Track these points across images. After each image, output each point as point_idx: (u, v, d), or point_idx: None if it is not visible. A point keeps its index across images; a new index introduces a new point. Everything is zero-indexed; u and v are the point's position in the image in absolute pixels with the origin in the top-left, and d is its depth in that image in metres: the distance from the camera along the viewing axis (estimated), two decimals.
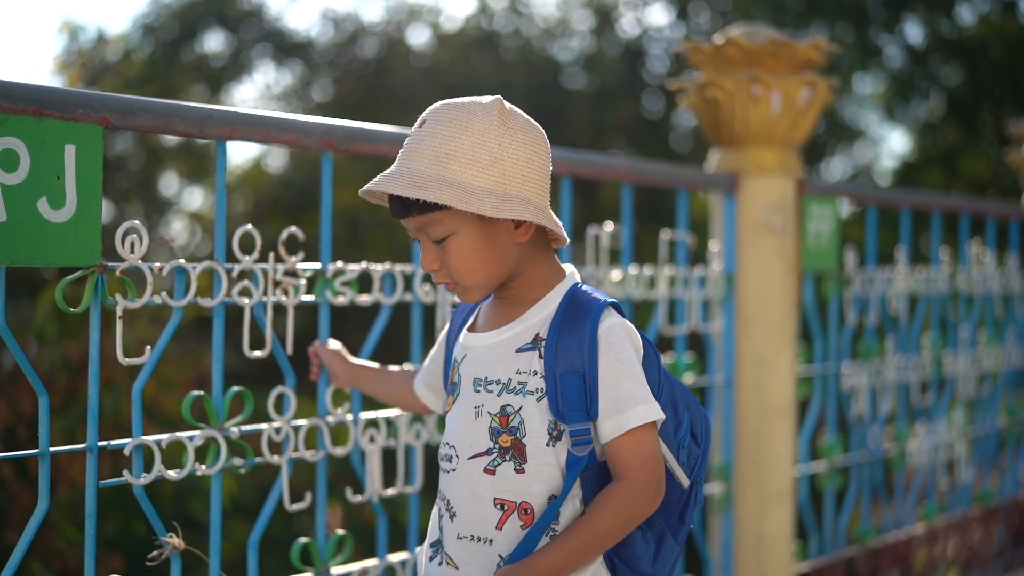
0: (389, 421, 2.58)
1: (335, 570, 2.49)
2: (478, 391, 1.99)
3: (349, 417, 2.51)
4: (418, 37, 14.15)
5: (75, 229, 1.99)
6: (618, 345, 1.93)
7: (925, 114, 13.39)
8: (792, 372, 3.49)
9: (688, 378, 3.30)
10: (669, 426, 2.00)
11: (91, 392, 2.09)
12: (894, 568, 4.05)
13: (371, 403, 2.66)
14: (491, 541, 1.94)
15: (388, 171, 1.94)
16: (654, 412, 1.92)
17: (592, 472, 1.95)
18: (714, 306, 3.44)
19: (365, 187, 1.96)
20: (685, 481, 2.02)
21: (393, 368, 2.40)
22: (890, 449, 4.12)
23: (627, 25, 14.11)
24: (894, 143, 25.10)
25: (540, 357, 1.95)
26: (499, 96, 1.96)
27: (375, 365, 2.42)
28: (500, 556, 1.93)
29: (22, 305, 7.03)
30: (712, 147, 3.58)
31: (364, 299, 2.52)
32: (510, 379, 1.96)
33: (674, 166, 3.53)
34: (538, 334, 1.96)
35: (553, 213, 1.99)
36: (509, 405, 1.95)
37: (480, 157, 1.89)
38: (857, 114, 14.49)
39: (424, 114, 1.96)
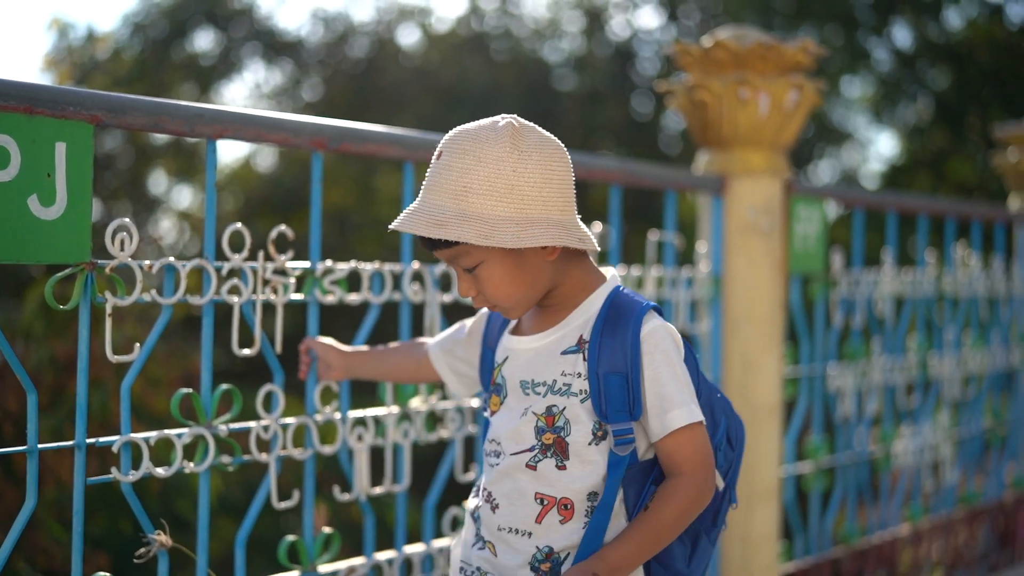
0: (377, 420, 2.59)
1: (322, 568, 2.50)
2: (527, 394, 2.03)
3: (337, 415, 2.52)
4: (408, 37, 14.17)
5: (65, 226, 2.00)
6: (662, 347, 1.98)
7: (913, 117, 13.45)
8: (779, 373, 3.51)
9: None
10: (707, 430, 2.04)
11: (80, 389, 2.09)
12: (879, 569, 4.07)
13: (359, 402, 2.67)
14: (530, 534, 2.00)
15: (411, 207, 1.96)
16: (695, 414, 1.97)
17: (634, 471, 2.00)
18: (702, 307, 3.45)
19: (392, 224, 1.98)
20: (720, 483, 2.07)
21: (389, 347, 2.41)
22: (876, 450, 4.14)
23: (617, 27, 14.14)
24: (882, 146, 25.18)
25: (584, 359, 1.99)
26: (511, 118, 1.96)
27: (368, 348, 2.43)
28: (537, 547, 1.99)
29: (9, 304, 7.03)
30: (700, 149, 3.59)
31: (353, 298, 2.53)
32: (555, 381, 2.01)
33: (662, 167, 3.55)
34: (581, 336, 2.01)
35: (581, 223, 2.02)
36: (555, 405, 2.00)
37: (497, 186, 1.90)
38: (845, 117, 14.54)
39: (440, 144, 1.97)
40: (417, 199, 1.97)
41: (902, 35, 13.01)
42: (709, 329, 3.46)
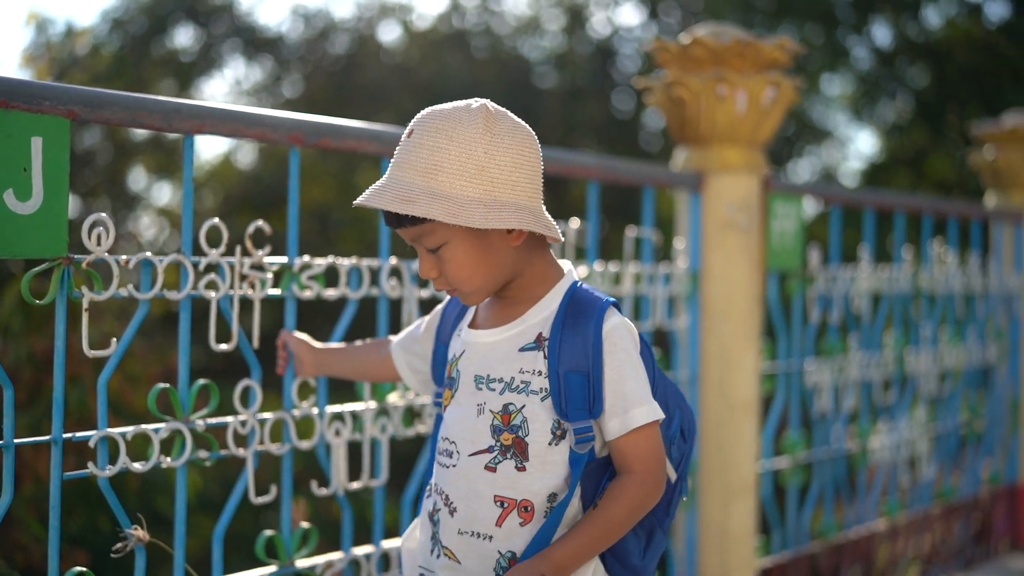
0: (355, 415, 2.60)
1: (300, 563, 2.50)
2: (480, 389, 2.01)
3: (315, 410, 2.53)
4: (389, 34, 14.16)
5: (42, 221, 1.99)
6: (622, 345, 1.97)
7: (892, 115, 13.50)
8: (756, 369, 3.52)
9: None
10: (662, 423, 2.03)
11: (56, 384, 2.09)
12: (856, 564, 4.09)
13: (337, 397, 2.67)
14: (491, 537, 1.97)
15: (379, 183, 1.95)
16: (656, 412, 1.97)
17: (590, 468, 1.98)
18: (679, 303, 3.47)
19: (358, 200, 1.97)
20: (673, 475, 2.07)
21: (358, 344, 2.40)
22: (853, 446, 4.16)
23: (598, 24, 14.16)
24: (861, 144, 25.28)
25: (544, 357, 1.97)
26: (485, 102, 1.96)
27: (340, 345, 2.43)
28: (499, 552, 1.97)
29: None
30: (678, 146, 3.60)
31: (330, 293, 2.53)
32: (513, 378, 1.98)
33: (641, 164, 3.56)
34: (540, 333, 1.99)
35: (546, 212, 2.01)
36: (512, 404, 1.97)
37: (467, 167, 1.90)
38: (825, 115, 14.59)
39: (412, 123, 1.96)
40: (385, 175, 1.96)
41: (881, 33, 13.07)
42: (687, 325, 3.48)
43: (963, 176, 11.99)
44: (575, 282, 2.04)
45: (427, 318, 2.23)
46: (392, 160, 1.96)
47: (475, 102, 1.96)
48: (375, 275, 2.64)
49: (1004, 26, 12.19)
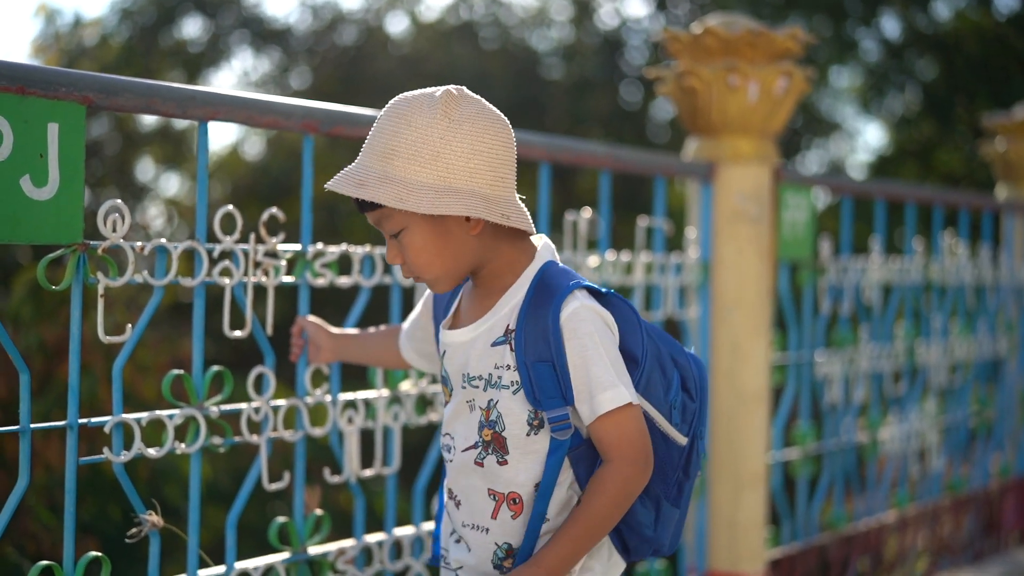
0: (367, 402, 2.60)
1: (312, 550, 2.50)
2: (465, 387, 2.01)
3: (328, 398, 2.53)
4: (397, 25, 14.15)
5: (58, 207, 2.00)
6: (582, 330, 1.92)
7: (900, 108, 13.47)
8: (766, 360, 3.52)
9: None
10: (659, 389, 2.00)
11: (72, 369, 2.10)
12: (865, 555, 4.09)
13: (350, 384, 2.67)
14: (487, 530, 1.99)
15: (345, 168, 1.95)
16: (622, 397, 1.91)
17: (581, 452, 1.97)
18: (690, 293, 3.47)
19: (327, 184, 1.96)
20: (682, 440, 2.02)
21: (373, 332, 2.41)
22: (863, 437, 4.16)
23: (606, 16, 14.13)
24: (870, 136, 25.23)
25: (511, 350, 1.96)
26: (451, 87, 1.93)
27: (357, 331, 2.43)
28: (496, 544, 1.98)
29: None
30: (689, 136, 3.60)
31: (344, 281, 2.54)
32: (490, 374, 1.98)
33: (652, 154, 3.56)
34: (508, 326, 1.97)
35: (519, 201, 1.97)
36: (492, 399, 1.98)
37: (422, 152, 1.88)
38: (833, 107, 14.56)
39: (386, 106, 1.96)
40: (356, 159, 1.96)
41: (890, 26, 13.03)
42: (698, 315, 3.47)
43: (971, 169, 11.96)
44: (547, 263, 2.00)
45: (423, 299, 2.23)
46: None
47: (442, 88, 1.94)
48: (388, 263, 2.64)
49: (1014, 18, 12.16)
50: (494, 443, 1.97)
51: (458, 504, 2.03)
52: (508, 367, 1.96)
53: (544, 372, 1.93)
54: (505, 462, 1.96)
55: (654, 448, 1.98)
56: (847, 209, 4.05)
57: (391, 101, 1.95)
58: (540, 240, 2.05)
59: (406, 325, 2.29)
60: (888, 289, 4.35)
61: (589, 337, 1.92)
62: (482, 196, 1.90)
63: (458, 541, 2.05)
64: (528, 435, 1.95)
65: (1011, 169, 5.15)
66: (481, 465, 1.99)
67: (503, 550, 1.98)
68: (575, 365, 1.92)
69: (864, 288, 4.13)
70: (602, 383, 1.91)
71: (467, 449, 2.01)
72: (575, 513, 1.93)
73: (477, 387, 1.99)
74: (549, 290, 1.96)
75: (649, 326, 2.04)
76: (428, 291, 2.20)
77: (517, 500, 1.96)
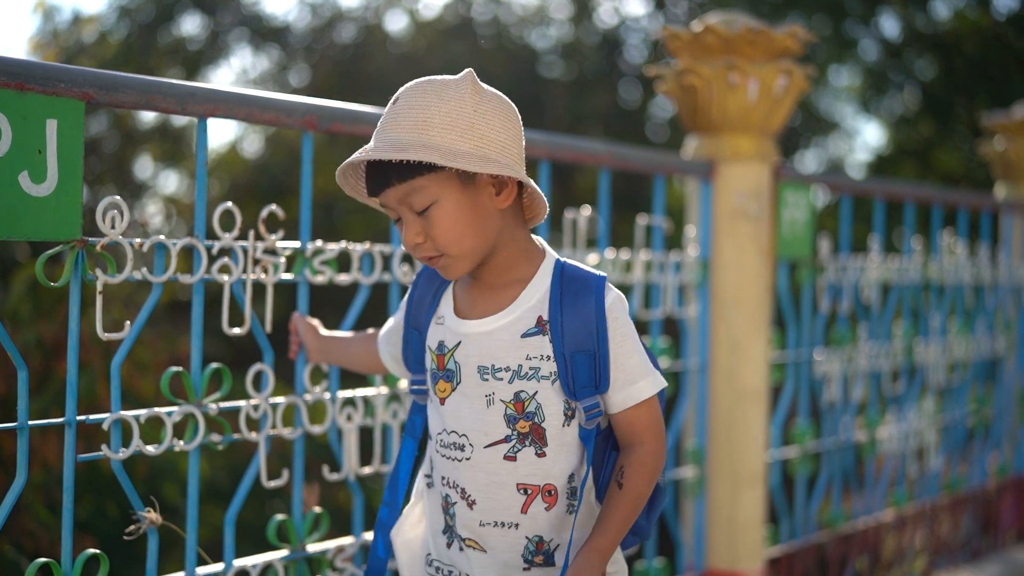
0: (366, 400, 2.60)
1: (311, 547, 2.50)
2: (486, 379, 1.99)
3: (327, 395, 2.53)
4: (395, 23, 14.13)
5: (56, 203, 1.99)
6: (623, 320, 1.99)
7: (899, 107, 13.47)
8: (766, 358, 3.52)
9: (663, 363, 3.32)
10: None
11: (70, 365, 2.09)
12: (863, 554, 4.09)
13: (348, 382, 2.67)
14: (517, 525, 1.99)
15: (364, 148, 1.95)
16: (659, 382, 2.01)
17: (599, 440, 2.02)
18: (689, 291, 3.46)
19: (343, 164, 1.96)
20: None
21: (355, 336, 2.40)
22: (861, 436, 4.16)
23: (605, 14, 14.13)
24: (868, 136, 25.24)
25: (549, 340, 1.97)
26: (471, 69, 1.97)
27: (345, 335, 2.42)
28: (527, 538, 1.99)
29: None
30: (689, 134, 3.60)
31: (343, 278, 2.53)
32: (520, 365, 1.97)
33: (652, 152, 3.55)
34: (540, 316, 1.98)
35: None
36: (523, 391, 1.97)
37: (458, 122, 1.90)
38: (832, 107, 14.56)
39: (397, 93, 1.97)
40: (371, 141, 1.96)
41: (889, 25, 13.03)
42: (697, 313, 3.47)
43: (970, 168, 11.96)
44: (558, 260, 2.04)
45: (402, 303, 2.22)
46: (377, 129, 1.96)
47: (460, 73, 1.97)
48: (387, 261, 2.64)
49: (1013, 18, 12.16)
50: (532, 435, 1.97)
51: (472, 504, 2.00)
52: (547, 357, 1.97)
53: (582, 362, 1.96)
54: (544, 454, 1.98)
55: None
56: (846, 208, 4.05)
57: (407, 85, 1.96)
58: (537, 239, 2.07)
59: (383, 329, 2.29)
60: (887, 288, 4.35)
61: (629, 326, 2.00)
62: (515, 169, 1.94)
63: (461, 550, 2.03)
64: (563, 426, 1.98)
65: (1010, 168, 5.15)
66: (514, 459, 1.98)
67: (534, 543, 1.99)
68: (616, 354, 1.97)
69: (863, 287, 4.13)
70: (641, 370, 1.99)
71: (493, 444, 1.99)
72: (620, 496, 1.97)
73: (501, 379, 1.98)
74: (583, 281, 1.99)
75: None
76: (406, 297, 2.19)
77: (552, 492, 1.98)
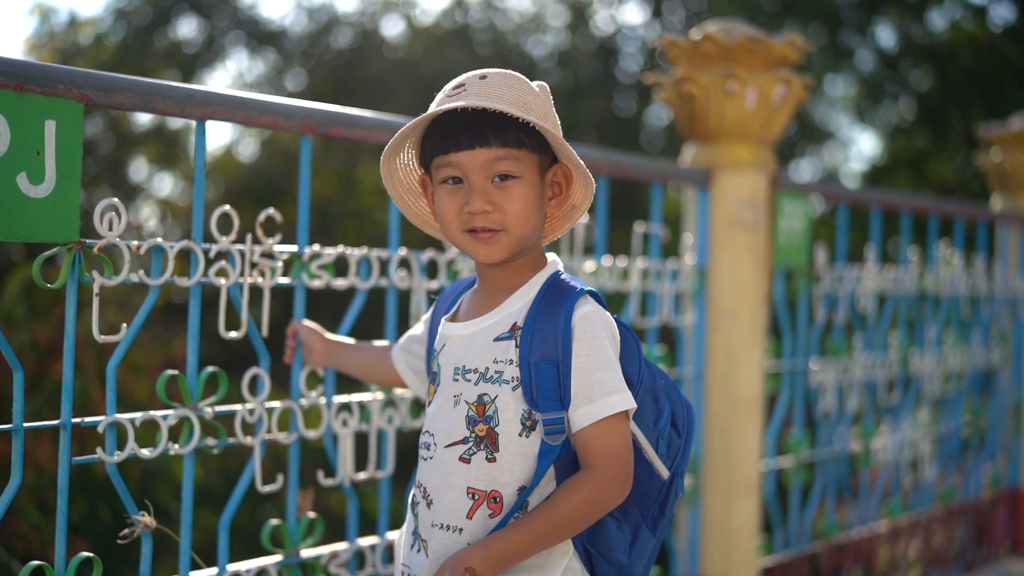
0: (362, 405, 2.59)
1: (305, 552, 2.49)
2: (456, 380, 1.99)
3: (323, 400, 2.52)
4: (392, 29, 14.15)
5: (54, 205, 1.99)
6: (592, 333, 1.93)
7: (895, 118, 13.49)
8: (761, 367, 3.52)
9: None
10: (648, 416, 2.01)
11: (66, 367, 2.08)
12: (857, 564, 4.09)
13: (344, 387, 2.66)
14: (461, 530, 1.94)
15: (462, 100, 1.91)
16: (627, 401, 1.92)
17: (566, 462, 1.95)
18: (686, 299, 3.46)
19: (463, 102, 1.91)
20: (664, 472, 2.02)
21: (367, 343, 2.40)
22: (856, 446, 4.16)
23: (601, 22, 14.15)
24: (863, 146, 25.28)
25: (516, 346, 1.95)
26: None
27: (351, 341, 2.42)
28: (468, 545, 1.93)
29: None
30: (686, 142, 3.60)
31: (340, 283, 2.53)
32: (487, 368, 1.96)
33: (649, 159, 3.55)
34: (515, 323, 1.97)
35: None
36: (486, 394, 1.95)
37: (548, 118, 1.98)
38: (827, 116, 14.58)
39: (478, 72, 1.99)
40: (454, 99, 1.93)
41: (885, 35, 13.06)
42: (693, 322, 3.47)
43: (965, 179, 11.98)
44: (557, 272, 2.03)
45: (423, 316, 2.24)
46: (462, 92, 1.94)
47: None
48: (384, 265, 2.63)
49: (1009, 29, 12.19)
50: (487, 439, 1.94)
51: (430, 504, 1.98)
52: (510, 362, 1.95)
53: (546, 372, 1.92)
54: (494, 459, 1.93)
55: (637, 473, 1.97)
56: (843, 218, 4.05)
57: (493, 70, 2.00)
58: (551, 255, 2.08)
59: (402, 339, 2.29)
60: (883, 298, 4.35)
61: (598, 341, 1.93)
62: None
63: (419, 551, 2.00)
64: (520, 435, 1.93)
65: (1006, 180, 5.15)
66: (467, 461, 1.95)
67: None
68: (580, 366, 1.92)
69: (859, 297, 4.13)
70: (607, 386, 1.91)
71: (452, 444, 1.97)
72: (539, 509, 1.91)
73: (469, 380, 1.97)
74: (562, 292, 1.98)
75: (647, 359, 2.05)
76: (428, 313, 2.20)
77: (498, 499, 1.93)
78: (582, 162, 1.98)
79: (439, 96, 1.99)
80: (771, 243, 3.61)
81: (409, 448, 3.47)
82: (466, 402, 1.97)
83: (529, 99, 1.95)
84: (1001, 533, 4.96)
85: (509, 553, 1.88)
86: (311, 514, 2.50)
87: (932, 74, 12.73)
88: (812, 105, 13.41)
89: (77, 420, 2.12)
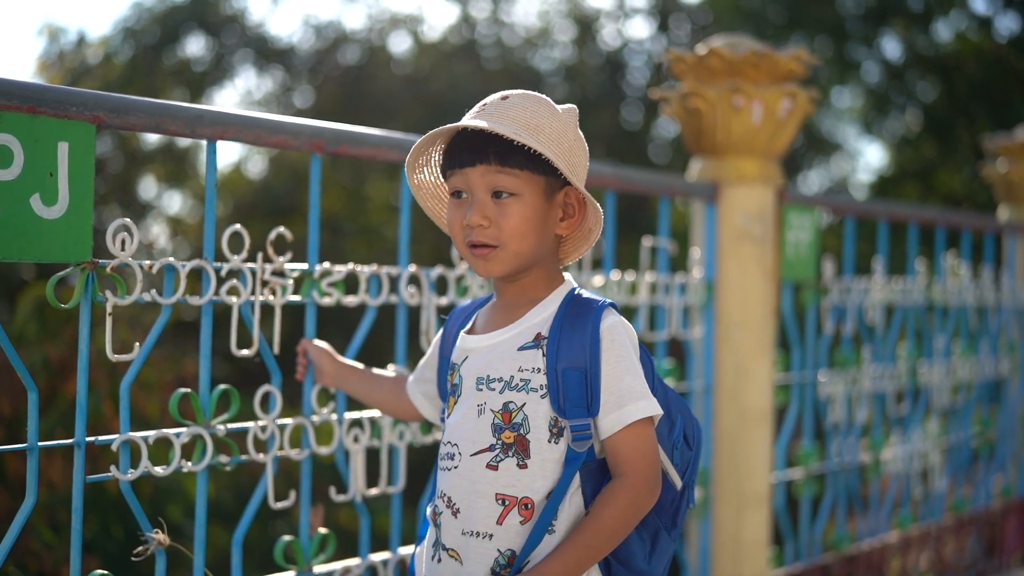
0: (373, 421, 2.61)
1: (318, 568, 2.50)
2: (480, 389, 2.03)
3: (334, 417, 2.53)
4: (399, 45, 14.19)
5: (67, 226, 2.01)
6: (619, 342, 1.99)
7: (901, 129, 13.51)
8: (770, 379, 3.53)
9: (668, 384, 3.32)
10: (663, 427, 2.06)
11: (80, 386, 2.10)
12: (868, 575, 4.09)
13: (355, 403, 2.68)
14: (491, 536, 1.98)
15: (473, 122, 1.97)
16: (654, 407, 1.98)
17: (592, 468, 2.00)
18: (694, 313, 3.47)
19: (467, 122, 1.99)
20: (678, 482, 2.08)
21: (381, 372, 2.42)
22: (865, 457, 4.16)
23: (608, 36, 14.19)
24: (871, 157, 25.28)
25: (543, 355, 1.99)
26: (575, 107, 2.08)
27: (361, 366, 2.44)
28: (499, 551, 1.97)
29: (1, 307, 7.01)
30: (693, 156, 3.61)
31: (350, 300, 2.54)
32: (512, 376, 2.00)
33: (657, 174, 3.57)
34: (540, 332, 2.02)
35: None
36: (512, 402, 1.99)
37: (562, 142, 2.00)
38: (835, 128, 14.60)
39: (502, 93, 2.04)
40: (475, 119, 1.99)
41: (892, 47, 13.08)
42: (702, 335, 3.48)
43: (972, 190, 11.98)
44: (574, 288, 2.08)
45: (434, 340, 2.27)
46: (480, 114, 2.01)
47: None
48: (394, 283, 2.65)
49: (1014, 40, 12.20)
50: (516, 445, 1.98)
51: (456, 512, 2.01)
52: (537, 370, 1.99)
53: (573, 379, 1.97)
54: (525, 466, 1.98)
55: None
56: (850, 229, 4.06)
57: (521, 92, 2.04)
58: (566, 274, 2.13)
59: (416, 371, 2.32)
60: (891, 310, 4.35)
61: (625, 348, 2.00)
62: None
63: (440, 560, 2.03)
64: (549, 441, 1.98)
65: (1013, 190, 5.16)
66: (495, 468, 1.98)
67: (505, 557, 1.97)
68: (609, 373, 1.97)
69: (867, 308, 4.14)
70: (635, 392, 1.97)
71: (478, 452, 2.00)
72: (583, 524, 1.95)
73: (493, 389, 2.01)
74: (587, 304, 2.03)
75: (657, 374, 2.10)
76: (438, 335, 2.23)
77: (529, 505, 1.97)
78: (588, 193, 2.02)
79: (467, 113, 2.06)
80: (779, 256, 3.62)
81: (421, 464, 3.49)
82: (491, 410, 2.01)
83: (544, 122, 1.98)
84: (1012, 543, 4.95)
85: (562, 572, 1.93)
86: (322, 530, 2.51)
87: (938, 85, 12.74)
88: (819, 117, 13.44)
89: (91, 439, 2.13)
